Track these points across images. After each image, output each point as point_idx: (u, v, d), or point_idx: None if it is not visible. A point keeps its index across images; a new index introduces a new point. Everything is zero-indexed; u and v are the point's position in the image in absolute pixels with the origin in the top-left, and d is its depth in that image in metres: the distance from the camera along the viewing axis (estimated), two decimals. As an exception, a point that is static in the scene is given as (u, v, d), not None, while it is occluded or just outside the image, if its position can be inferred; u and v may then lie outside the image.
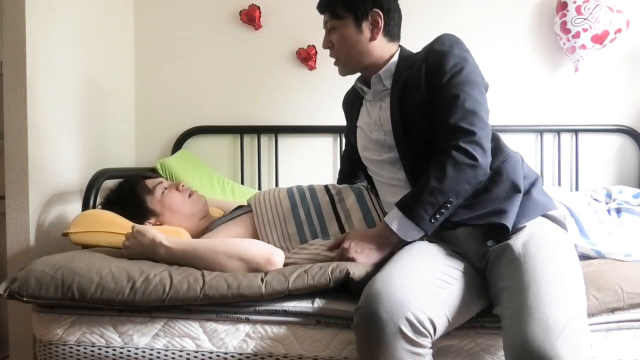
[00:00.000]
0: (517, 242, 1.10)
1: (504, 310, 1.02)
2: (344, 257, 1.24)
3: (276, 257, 1.26)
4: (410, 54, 1.40)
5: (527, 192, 1.22)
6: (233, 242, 1.30)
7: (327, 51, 1.43)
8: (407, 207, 1.20)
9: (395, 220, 1.21)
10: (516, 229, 1.14)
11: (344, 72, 1.44)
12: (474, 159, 1.17)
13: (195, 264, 1.27)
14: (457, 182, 1.17)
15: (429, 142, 1.26)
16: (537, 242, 1.09)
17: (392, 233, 1.22)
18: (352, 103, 1.54)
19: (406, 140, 1.30)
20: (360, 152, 1.48)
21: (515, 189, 1.20)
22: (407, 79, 1.31)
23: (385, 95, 1.37)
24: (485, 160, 1.19)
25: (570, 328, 0.94)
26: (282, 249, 1.37)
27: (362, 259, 1.23)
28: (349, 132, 1.59)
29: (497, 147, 1.28)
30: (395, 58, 1.38)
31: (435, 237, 1.23)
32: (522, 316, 0.96)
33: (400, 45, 1.42)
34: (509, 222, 1.14)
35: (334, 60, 1.44)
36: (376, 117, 1.38)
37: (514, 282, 1.03)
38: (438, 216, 1.18)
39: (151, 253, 1.31)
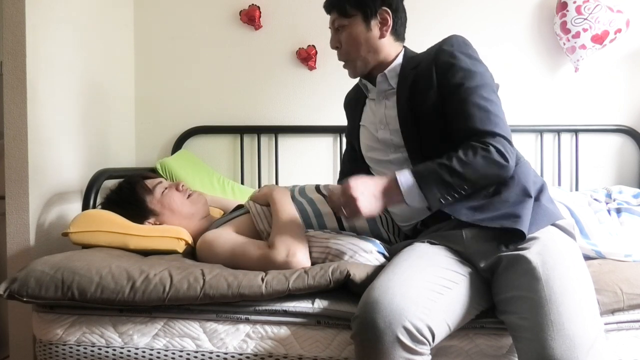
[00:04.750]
0: (532, 251, 1.07)
1: (522, 322, 1.01)
2: (346, 194, 1.16)
3: (298, 257, 1.26)
4: (415, 54, 1.39)
5: (536, 199, 1.21)
6: (294, 227, 1.34)
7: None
8: (423, 178, 1.17)
9: (406, 184, 1.17)
10: (528, 237, 1.13)
11: (354, 73, 1.42)
12: (506, 160, 1.17)
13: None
14: (480, 173, 1.16)
15: (441, 142, 1.25)
16: (552, 253, 1.07)
17: (398, 192, 1.17)
18: (355, 102, 1.53)
19: (416, 140, 1.29)
20: (364, 152, 1.47)
21: (526, 194, 1.19)
22: (414, 79, 1.31)
23: (391, 94, 1.36)
24: (512, 164, 1.18)
25: (597, 346, 0.95)
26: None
27: (364, 203, 1.15)
28: (350, 132, 1.58)
29: None
30: (400, 58, 1.37)
31: (437, 237, 1.22)
32: (546, 331, 0.96)
33: (404, 46, 1.42)
34: (524, 228, 1.12)
35: (334, 59, 1.43)
36: (382, 115, 1.37)
37: (532, 293, 1.01)
38: (448, 198, 1.16)
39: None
